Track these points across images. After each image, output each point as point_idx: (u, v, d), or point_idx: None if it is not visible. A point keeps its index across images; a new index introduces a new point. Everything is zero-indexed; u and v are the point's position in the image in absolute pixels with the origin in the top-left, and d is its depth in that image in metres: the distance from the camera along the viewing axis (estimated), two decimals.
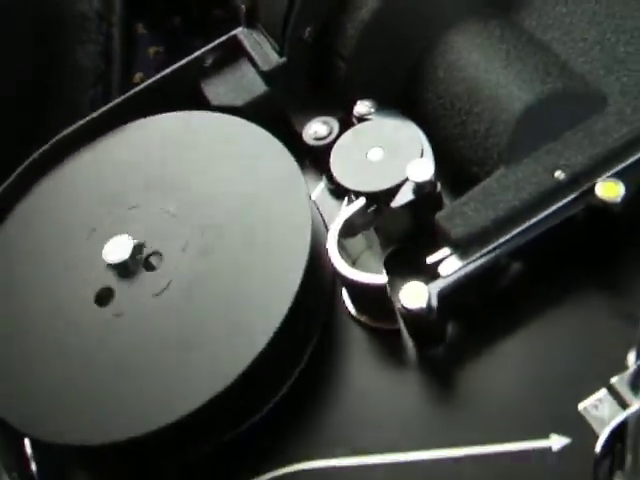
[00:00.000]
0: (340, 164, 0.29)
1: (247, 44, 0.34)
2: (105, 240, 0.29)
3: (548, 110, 0.27)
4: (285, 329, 0.27)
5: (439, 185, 0.28)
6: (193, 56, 0.34)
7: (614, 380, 0.25)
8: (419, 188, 0.28)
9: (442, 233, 0.27)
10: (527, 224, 0.26)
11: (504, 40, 0.29)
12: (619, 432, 0.23)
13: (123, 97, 0.33)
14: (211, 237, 0.29)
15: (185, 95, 0.34)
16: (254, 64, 0.33)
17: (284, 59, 0.32)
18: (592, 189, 0.26)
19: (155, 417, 0.26)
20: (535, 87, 0.28)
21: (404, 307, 0.26)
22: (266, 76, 0.33)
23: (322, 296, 0.29)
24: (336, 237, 0.28)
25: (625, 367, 0.25)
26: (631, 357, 0.25)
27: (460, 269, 0.26)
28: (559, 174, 0.27)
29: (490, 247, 0.26)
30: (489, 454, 0.26)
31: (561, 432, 0.25)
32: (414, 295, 0.26)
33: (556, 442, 0.25)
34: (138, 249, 0.29)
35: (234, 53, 0.34)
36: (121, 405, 0.27)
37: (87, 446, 0.27)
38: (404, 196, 0.28)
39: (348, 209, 0.28)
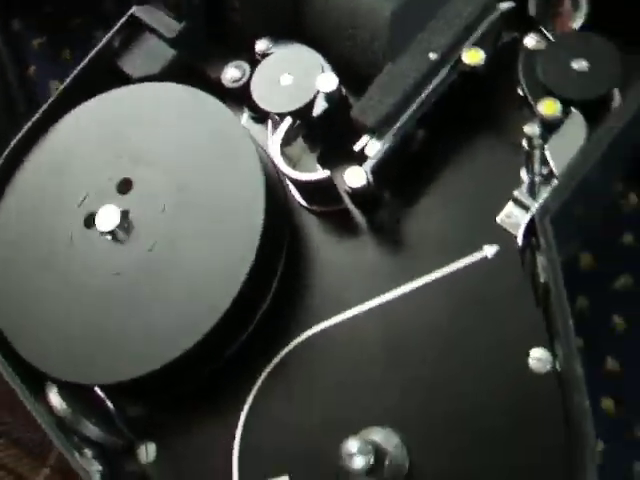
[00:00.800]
0: (261, 95, 0.36)
1: (147, 19, 0.39)
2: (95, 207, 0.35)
3: (410, 9, 0.35)
4: (265, 238, 0.33)
5: (344, 90, 0.36)
6: (104, 41, 0.39)
7: (516, 193, 0.33)
8: (329, 97, 0.35)
9: (359, 125, 0.34)
10: (420, 100, 0.34)
11: None
12: (530, 228, 0.31)
13: (56, 94, 0.39)
14: (184, 195, 0.35)
15: (107, 78, 0.39)
16: (159, 35, 0.39)
17: (184, 23, 0.38)
18: (459, 59, 0.34)
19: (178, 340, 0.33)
20: None
21: (350, 187, 0.33)
22: (172, 42, 0.39)
23: (284, 203, 0.37)
24: (279, 152, 0.35)
25: (522, 182, 0.33)
26: (523, 174, 0.34)
27: (381, 148, 0.34)
28: (432, 55, 0.34)
29: (398, 125, 0.34)
30: (439, 278, 0.34)
31: (490, 243, 0.34)
32: (355, 176, 0.33)
33: (489, 250, 0.34)
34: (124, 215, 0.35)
35: (137, 30, 0.40)
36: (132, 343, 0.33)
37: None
38: (320, 106, 0.35)
39: (282, 127, 0.35)
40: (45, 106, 0.38)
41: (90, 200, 0.36)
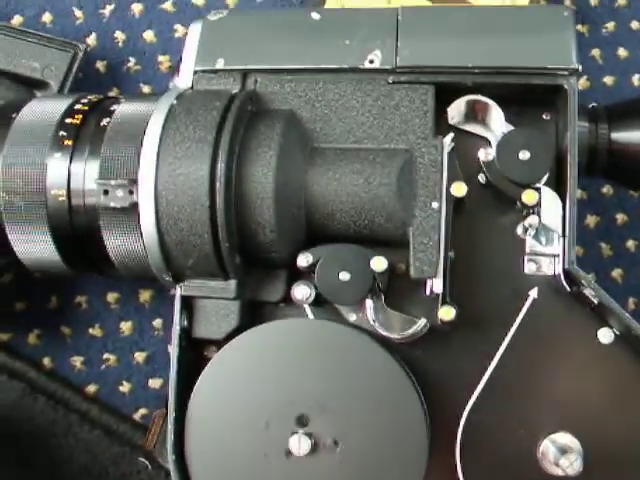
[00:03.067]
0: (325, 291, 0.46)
1: (198, 293, 0.47)
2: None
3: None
4: None
5: None
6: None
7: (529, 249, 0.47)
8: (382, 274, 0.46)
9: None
10: None
11: None
12: (567, 274, 0.45)
13: None
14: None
15: None
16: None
17: (234, 281, 0.47)
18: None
19: None
20: None
21: None
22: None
23: None
24: None
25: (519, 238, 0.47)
26: (519, 230, 0.47)
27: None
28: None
29: None
30: None
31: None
32: None
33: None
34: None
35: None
36: None
37: None
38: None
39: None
40: None
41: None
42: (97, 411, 0.58)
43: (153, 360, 0.60)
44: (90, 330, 0.61)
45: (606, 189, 0.64)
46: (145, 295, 0.61)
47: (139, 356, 0.61)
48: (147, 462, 0.56)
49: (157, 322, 0.61)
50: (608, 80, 0.65)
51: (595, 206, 0.63)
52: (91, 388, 0.60)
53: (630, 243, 0.63)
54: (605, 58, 0.65)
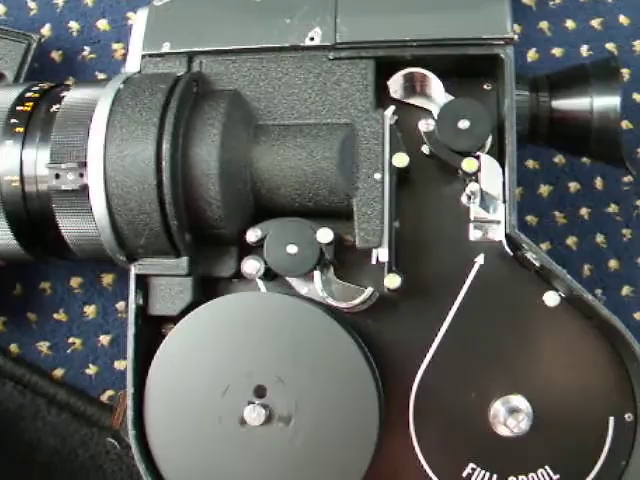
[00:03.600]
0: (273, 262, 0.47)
1: (153, 271, 0.48)
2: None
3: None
4: None
5: None
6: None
7: (473, 215, 0.48)
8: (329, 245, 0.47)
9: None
10: None
11: None
12: (509, 239, 0.46)
13: None
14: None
15: None
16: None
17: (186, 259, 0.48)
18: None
19: None
20: None
21: None
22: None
23: None
24: None
25: (463, 205, 0.48)
26: (463, 199, 0.48)
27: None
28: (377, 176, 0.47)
29: None
30: None
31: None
32: None
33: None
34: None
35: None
36: None
37: None
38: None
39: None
40: None
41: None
42: (64, 394, 0.59)
43: (117, 342, 0.61)
44: (55, 315, 0.62)
45: (558, 159, 0.65)
46: (108, 279, 0.62)
47: (104, 339, 0.62)
48: (115, 442, 0.57)
49: (120, 305, 0.62)
50: (557, 52, 0.66)
51: (548, 176, 0.64)
52: (58, 372, 0.61)
53: (584, 211, 0.64)
54: (553, 30, 0.66)
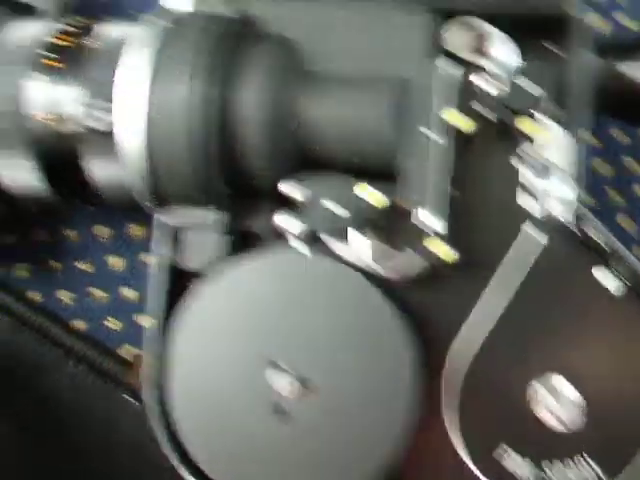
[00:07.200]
0: None
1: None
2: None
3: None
4: None
5: None
6: None
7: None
8: None
9: None
10: None
11: None
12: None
13: None
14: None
15: None
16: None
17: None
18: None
19: None
20: None
21: None
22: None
23: None
24: None
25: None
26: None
27: None
28: None
29: None
30: None
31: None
32: None
33: None
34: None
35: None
36: None
37: None
38: None
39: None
40: None
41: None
42: (82, 346, 0.57)
43: (141, 297, 0.59)
44: (78, 264, 0.60)
45: (615, 133, 0.61)
46: (136, 230, 0.60)
47: (128, 292, 0.60)
48: (132, 399, 0.55)
49: (147, 258, 0.59)
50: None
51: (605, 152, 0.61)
52: (78, 323, 0.59)
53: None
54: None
